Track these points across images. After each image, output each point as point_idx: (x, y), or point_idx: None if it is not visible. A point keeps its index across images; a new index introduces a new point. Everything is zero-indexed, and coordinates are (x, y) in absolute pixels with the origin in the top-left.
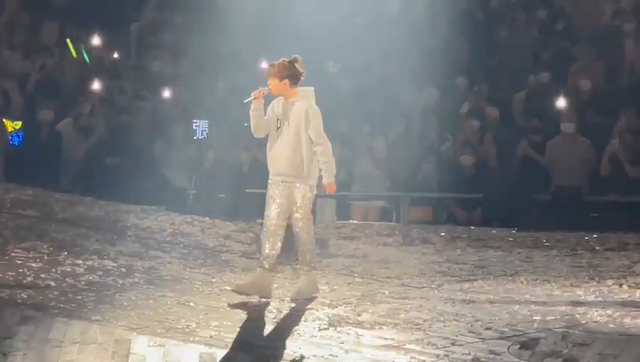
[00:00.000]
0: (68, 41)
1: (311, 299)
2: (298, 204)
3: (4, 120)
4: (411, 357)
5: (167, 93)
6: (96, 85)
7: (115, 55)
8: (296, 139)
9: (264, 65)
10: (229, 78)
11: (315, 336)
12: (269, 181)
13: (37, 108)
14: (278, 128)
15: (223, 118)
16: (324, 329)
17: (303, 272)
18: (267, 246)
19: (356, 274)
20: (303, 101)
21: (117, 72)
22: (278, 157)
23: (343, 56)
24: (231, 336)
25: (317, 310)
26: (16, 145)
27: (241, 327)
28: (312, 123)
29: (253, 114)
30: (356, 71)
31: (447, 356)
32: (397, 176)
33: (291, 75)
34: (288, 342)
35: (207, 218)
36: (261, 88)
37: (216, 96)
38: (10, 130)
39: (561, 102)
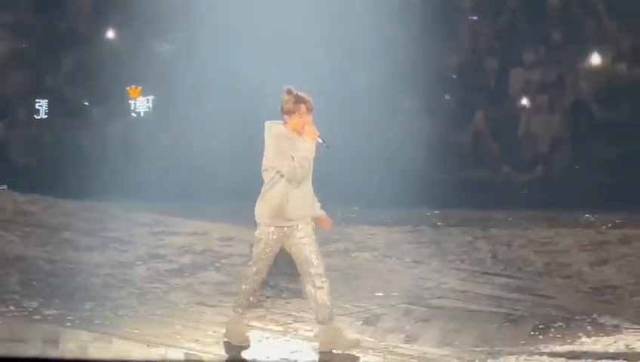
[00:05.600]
0: None
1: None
2: (310, 242)
3: None
4: (255, 334)
5: (9, 73)
6: None
7: None
8: (310, 176)
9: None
10: (70, 56)
11: (158, 314)
12: (274, 231)
13: None
14: None
15: (65, 97)
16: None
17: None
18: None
19: (199, 251)
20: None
21: None
22: (300, 199)
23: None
24: (73, 314)
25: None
26: None
27: (86, 306)
28: None
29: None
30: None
31: (290, 332)
32: None
33: None
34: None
35: (49, 197)
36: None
37: (59, 76)
38: None
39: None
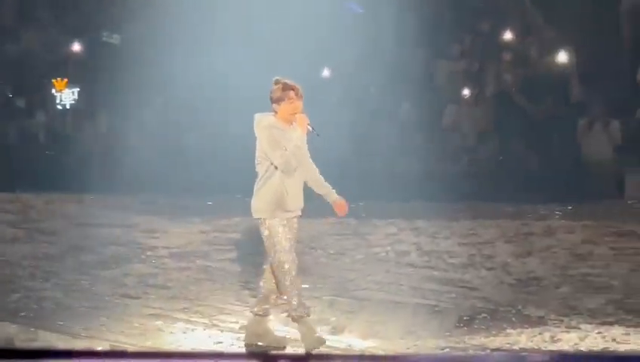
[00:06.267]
0: None
1: None
2: (294, 238)
3: None
4: (179, 326)
5: None
6: None
7: None
8: (303, 165)
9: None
10: None
11: (83, 306)
12: (279, 221)
13: None
14: None
15: None
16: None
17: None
18: (296, 295)
19: (124, 243)
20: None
21: None
22: (296, 189)
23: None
24: None
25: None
26: None
27: (11, 298)
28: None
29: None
30: None
31: (216, 325)
32: None
33: None
34: None
35: None
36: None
37: None
38: None
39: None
